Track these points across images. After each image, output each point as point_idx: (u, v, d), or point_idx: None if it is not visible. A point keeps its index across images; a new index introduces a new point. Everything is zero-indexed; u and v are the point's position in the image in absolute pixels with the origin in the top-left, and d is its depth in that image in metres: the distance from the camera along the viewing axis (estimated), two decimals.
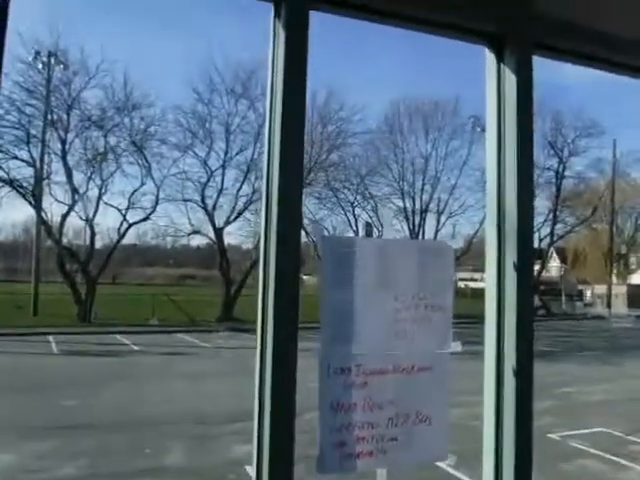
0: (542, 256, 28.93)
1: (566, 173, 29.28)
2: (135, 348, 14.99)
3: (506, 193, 1.95)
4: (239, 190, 23.21)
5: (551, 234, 29.60)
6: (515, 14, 1.91)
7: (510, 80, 1.92)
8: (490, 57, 2.03)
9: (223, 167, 23.12)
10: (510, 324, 1.91)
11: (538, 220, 28.61)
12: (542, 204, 28.91)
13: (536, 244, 28.69)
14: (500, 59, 1.95)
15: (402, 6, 1.75)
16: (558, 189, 29.12)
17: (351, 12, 1.73)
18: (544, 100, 28.06)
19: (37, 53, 20.69)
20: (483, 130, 27.82)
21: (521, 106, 1.89)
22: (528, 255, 1.90)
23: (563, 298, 31.33)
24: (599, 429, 7.80)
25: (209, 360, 13.68)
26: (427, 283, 1.85)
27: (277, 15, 1.68)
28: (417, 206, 27.07)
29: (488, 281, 2.02)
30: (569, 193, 30.67)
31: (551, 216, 29.38)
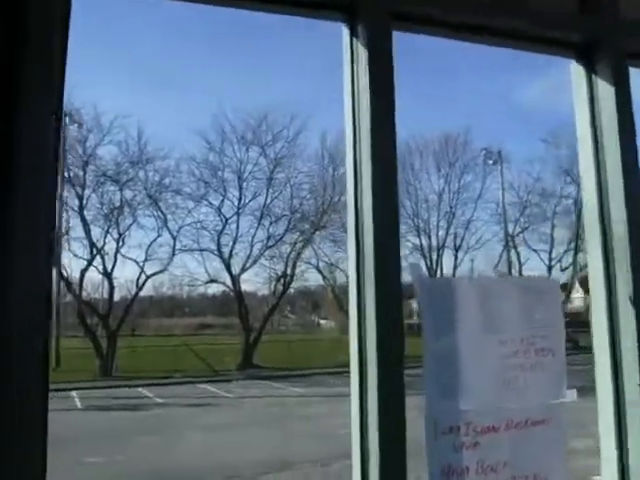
0: (565, 287, 28.34)
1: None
2: (158, 401, 14.64)
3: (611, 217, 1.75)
4: (254, 236, 23.20)
5: (574, 264, 29.01)
6: (605, 22, 1.77)
7: (605, 92, 1.75)
8: (577, 70, 1.88)
9: (237, 214, 23.19)
10: (628, 359, 1.69)
11: (559, 250, 28.13)
12: (562, 233, 28.48)
13: (558, 275, 28.14)
14: (591, 71, 1.79)
15: (491, 20, 1.62)
16: (578, 217, 28.68)
17: (435, 29, 1.59)
18: (558, 127, 28.12)
19: (53, 114, 21.15)
20: (495, 162, 27.83)
21: (621, 120, 1.71)
22: None
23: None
24: None
25: (232, 411, 13.28)
26: (535, 324, 1.65)
27: (354, 35, 1.55)
28: (434, 243, 26.83)
29: (596, 315, 1.81)
30: None
31: (572, 245, 28.86)
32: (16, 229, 1.08)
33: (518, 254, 27.57)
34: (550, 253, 28.08)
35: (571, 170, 28.14)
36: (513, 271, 26.28)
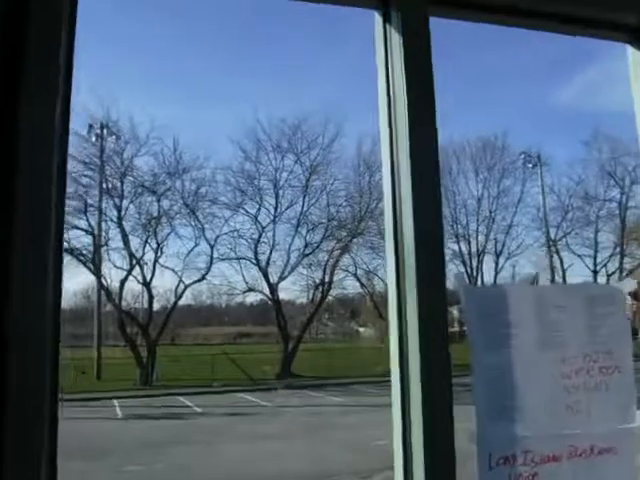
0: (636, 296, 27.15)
1: (630, 204, 27.83)
2: (197, 410, 14.71)
3: None
4: (291, 245, 23.19)
5: (619, 269, 27.94)
6: None
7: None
8: (634, 53, 1.69)
9: (274, 222, 23.25)
10: None
11: (604, 255, 27.16)
12: (606, 238, 27.45)
13: (604, 280, 27.19)
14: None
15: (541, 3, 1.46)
16: (622, 221, 27.63)
17: (477, 14, 1.44)
18: (598, 129, 27.16)
19: (90, 126, 21.71)
20: (534, 166, 27.08)
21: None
22: None
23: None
24: None
25: (272, 420, 13.20)
26: (599, 339, 1.46)
27: (387, 21, 1.41)
28: (473, 249, 26.26)
29: None
30: (635, 225, 29.08)
31: (618, 250, 27.80)
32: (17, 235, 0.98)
33: (561, 259, 26.77)
34: (595, 258, 27.15)
35: (614, 172, 27.15)
36: (557, 277, 25.51)
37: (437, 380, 1.26)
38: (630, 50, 1.71)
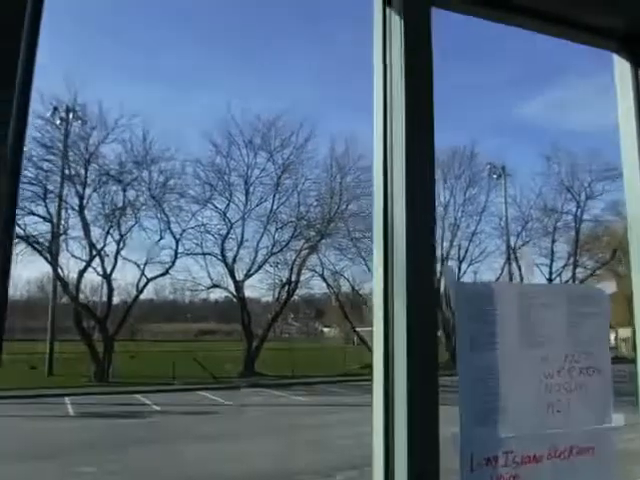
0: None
1: (584, 217, 28.89)
2: (156, 408, 14.39)
3: None
4: (259, 242, 23.01)
5: (572, 278, 28.90)
6: None
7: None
8: (621, 63, 1.70)
9: (243, 219, 23.03)
10: None
11: (559, 264, 28.13)
12: (562, 248, 28.47)
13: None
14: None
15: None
16: (577, 233, 28.67)
17: (475, 8, 1.42)
18: (559, 144, 28.05)
19: (55, 109, 20.83)
20: (499, 177, 27.72)
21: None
22: None
23: None
24: None
25: (233, 419, 13.03)
26: (580, 339, 1.46)
27: (388, 3, 1.38)
28: (438, 254, 26.59)
29: None
30: (588, 237, 30.15)
31: (571, 260, 28.79)
32: None
33: (519, 267, 27.51)
34: (550, 267, 28.10)
35: (571, 187, 28.15)
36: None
37: (424, 382, 1.23)
38: (616, 59, 1.70)
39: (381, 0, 1.42)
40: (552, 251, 28.26)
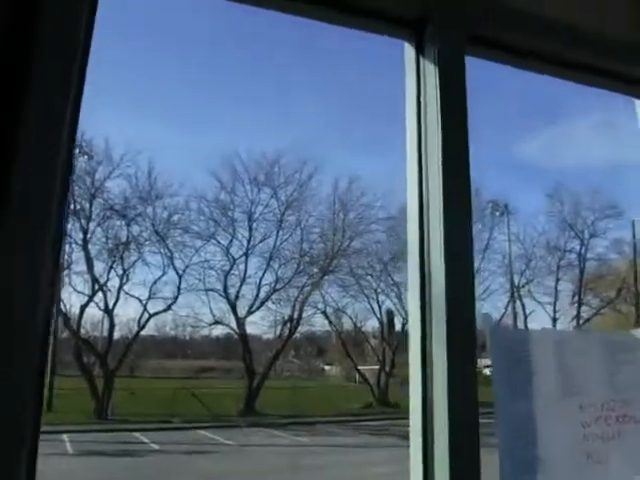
0: None
1: (588, 255, 28.89)
2: (155, 447, 14.10)
3: None
4: (262, 279, 22.95)
5: (577, 317, 28.73)
6: None
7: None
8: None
9: (246, 255, 23.02)
10: None
11: (562, 303, 28.02)
12: (566, 287, 28.35)
13: (564, 327, 27.89)
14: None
15: (566, 51, 1.49)
16: (581, 271, 28.61)
17: (508, 57, 1.47)
18: (561, 183, 28.31)
19: None
20: (502, 214, 27.89)
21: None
22: None
23: None
24: None
25: (233, 459, 12.74)
26: (617, 387, 1.45)
27: (421, 53, 1.42)
28: None
29: None
30: (592, 275, 30.10)
31: (576, 299, 28.66)
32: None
33: (523, 306, 27.38)
34: (554, 306, 27.98)
35: (574, 225, 28.28)
36: (518, 322, 25.98)
37: (465, 426, 1.21)
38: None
39: (413, 48, 1.47)
40: (556, 290, 28.18)
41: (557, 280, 28.25)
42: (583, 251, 28.86)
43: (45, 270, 0.95)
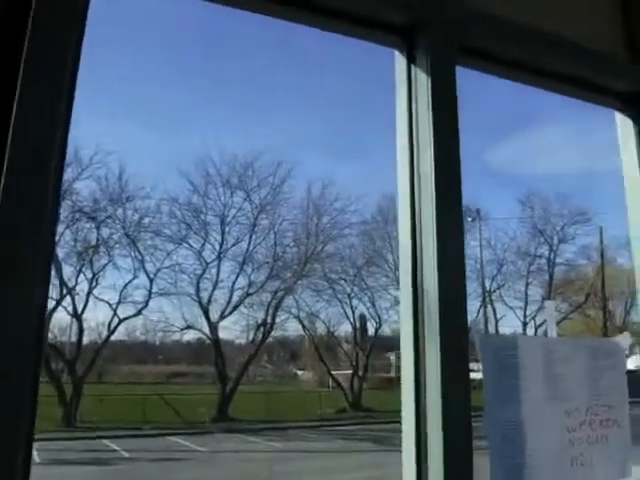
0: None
1: (557, 260, 29.57)
2: (125, 455, 13.83)
3: None
4: (234, 283, 22.78)
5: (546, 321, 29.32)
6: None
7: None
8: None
9: (219, 259, 22.83)
10: None
11: (532, 308, 28.58)
12: (536, 291, 28.95)
13: (533, 332, 28.50)
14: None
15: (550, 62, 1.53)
16: (551, 276, 29.27)
17: (498, 68, 1.50)
18: (532, 189, 28.91)
19: None
20: (474, 220, 28.33)
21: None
22: None
23: None
24: None
25: (205, 466, 12.59)
26: (600, 392, 1.49)
27: (412, 61, 1.44)
28: None
29: None
30: (561, 280, 30.81)
31: (544, 304, 29.32)
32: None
33: (494, 310, 27.87)
34: (525, 310, 28.56)
35: (544, 231, 28.93)
36: (490, 327, 26.42)
37: (458, 434, 1.23)
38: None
39: (404, 57, 1.48)
40: (526, 294, 28.77)
41: (527, 285, 28.87)
42: (552, 256, 29.54)
43: (37, 269, 0.93)
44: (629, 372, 1.55)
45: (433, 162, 1.33)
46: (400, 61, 1.48)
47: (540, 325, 28.79)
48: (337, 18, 1.44)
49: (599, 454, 1.45)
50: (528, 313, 28.88)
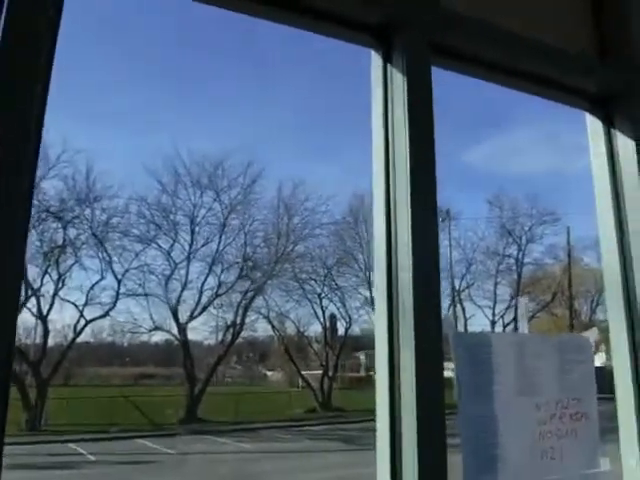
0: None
1: (525, 260, 30.21)
2: (91, 458, 13.53)
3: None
4: (204, 283, 22.55)
5: (515, 320, 29.92)
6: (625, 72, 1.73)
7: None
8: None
9: (188, 259, 22.56)
10: None
11: (501, 307, 29.13)
12: (504, 291, 29.52)
13: (501, 331, 29.01)
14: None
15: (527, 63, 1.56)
16: (519, 276, 29.86)
17: (471, 67, 1.52)
18: (501, 189, 29.47)
19: None
20: (443, 220, 28.70)
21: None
22: None
23: None
24: None
25: (174, 469, 12.43)
26: (569, 386, 1.53)
27: (388, 60, 1.45)
28: None
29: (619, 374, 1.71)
30: (528, 279, 31.47)
31: (513, 302, 29.88)
32: None
33: (464, 309, 28.31)
34: (493, 309, 29.10)
35: (512, 231, 29.49)
36: (459, 325, 26.81)
37: (433, 431, 1.24)
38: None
39: (380, 57, 1.49)
40: (495, 294, 29.33)
41: (496, 284, 29.43)
42: (521, 256, 30.17)
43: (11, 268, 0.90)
44: (595, 369, 1.59)
45: (409, 162, 1.34)
46: (376, 61, 1.48)
47: (508, 324, 29.37)
48: (313, 17, 1.44)
49: (569, 447, 1.48)
50: (497, 312, 29.46)
